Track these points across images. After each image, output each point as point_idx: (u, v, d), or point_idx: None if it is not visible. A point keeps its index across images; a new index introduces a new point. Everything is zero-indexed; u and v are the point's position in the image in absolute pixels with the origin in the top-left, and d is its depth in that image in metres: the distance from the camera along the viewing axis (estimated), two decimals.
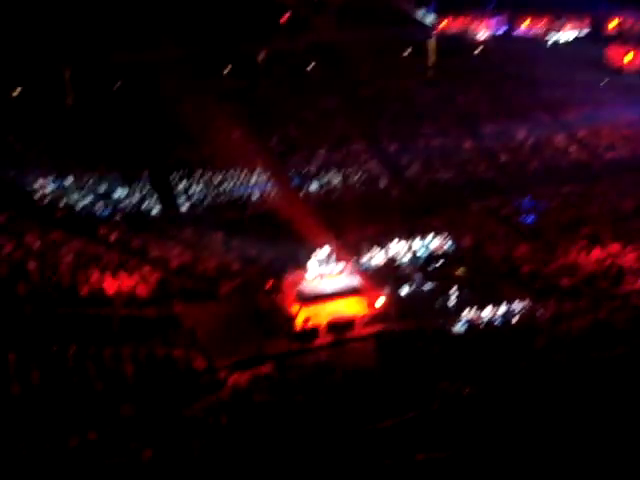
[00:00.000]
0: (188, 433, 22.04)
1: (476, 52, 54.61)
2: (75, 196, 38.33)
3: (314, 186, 42.69)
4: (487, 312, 29.94)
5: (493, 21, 49.84)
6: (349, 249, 35.28)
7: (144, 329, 29.42)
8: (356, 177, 44.07)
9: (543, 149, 47.96)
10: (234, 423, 22.68)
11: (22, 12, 42.27)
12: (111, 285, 31.65)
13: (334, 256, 33.80)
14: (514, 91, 52.20)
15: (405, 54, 54.65)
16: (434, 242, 36.35)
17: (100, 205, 38.08)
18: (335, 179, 43.50)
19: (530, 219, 39.34)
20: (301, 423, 22.46)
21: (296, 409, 23.33)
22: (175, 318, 30.57)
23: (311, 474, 16.74)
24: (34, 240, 33.86)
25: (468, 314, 30.12)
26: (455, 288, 31.84)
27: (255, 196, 41.51)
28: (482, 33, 51.14)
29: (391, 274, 33.32)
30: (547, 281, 32.59)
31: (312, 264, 32.74)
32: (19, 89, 43.78)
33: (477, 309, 30.24)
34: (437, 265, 34.44)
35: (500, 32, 51.18)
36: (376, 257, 34.33)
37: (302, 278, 32.81)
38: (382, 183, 43.94)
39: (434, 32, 52.20)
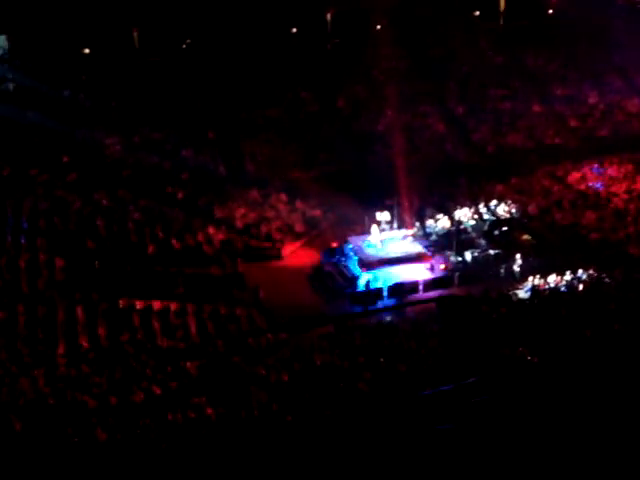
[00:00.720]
0: (250, 391, 22.38)
1: (548, 13, 53.32)
2: (143, 155, 38.72)
3: (379, 148, 42.36)
4: (552, 279, 29.61)
5: None
6: (414, 213, 35.08)
7: (208, 287, 29.84)
8: (423, 139, 43.66)
9: (615, 114, 46.80)
10: (295, 382, 22.94)
11: None
12: (177, 243, 32.11)
13: (397, 221, 33.72)
14: (586, 54, 50.88)
15: (476, 14, 53.67)
16: (500, 207, 35.96)
17: (167, 164, 38.42)
18: (402, 141, 43.11)
19: (599, 186, 38.55)
20: (360, 384, 22.62)
21: (356, 370, 23.48)
22: (239, 277, 30.91)
23: (370, 435, 16.90)
24: (102, 197, 34.51)
25: (533, 281, 29.84)
26: (520, 254, 31.53)
27: (318, 157, 41.40)
28: None
29: (456, 239, 33.04)
30: (615, 249, 31.99)
31: (375, 229, 32.64)
32: (89, 48, 44.16)
33: (542, 276, 29.92)
34: (502, 231, 34.01)
35: None
36: (441, 221, 34.03)
37: (365, 242, 32.76)
38: (449, 146, 43.47)
39: None
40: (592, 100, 47.69)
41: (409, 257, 32.15)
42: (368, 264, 31.50)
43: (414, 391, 21.72)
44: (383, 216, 32.99)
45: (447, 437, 15.86)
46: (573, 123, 45.98)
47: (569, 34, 50.96)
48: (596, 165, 40.77)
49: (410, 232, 33.58)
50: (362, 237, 33.17)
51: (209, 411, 21.41)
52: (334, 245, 33.19)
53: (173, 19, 44.14)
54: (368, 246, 32.58)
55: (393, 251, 32.43)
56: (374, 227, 32.64)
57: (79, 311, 27.31)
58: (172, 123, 41.17)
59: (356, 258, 32.00)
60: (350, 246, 32.86)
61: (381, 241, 32.57)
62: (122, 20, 43.30)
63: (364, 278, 30.83)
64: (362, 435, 17.10)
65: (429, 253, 32.28)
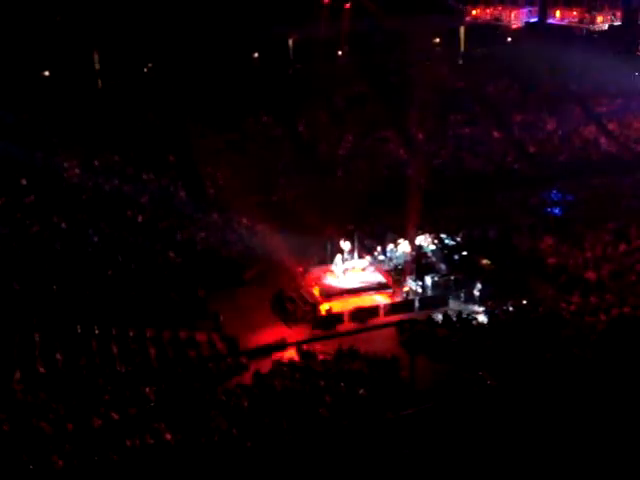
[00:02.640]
0: (209, 416, 22.20)
1: (507, 41, 54.14)
2: (102, 179, 38.43)
3: (340, 173, 42.51)
4: (511, 303, 29.87)
5: (525, 10, 49.24)
6: (374, 239, 35.21)
7: (168, 312, 29.61)
8: (384, 164, 43.92)
9: (572, 140, 47.56)
10: (255, 407, 22.81)
11: None
12: (136, 267, 31.86)
13: (358, 246, 33.85)
14: (544, 81, 51.70)
15: (435, 42, 54.34)
16: (460, 232, 36.24)
17: (127, 188, 38.17)
18: (362, 166, 43.33)
19: (557, 211, 39.04)
20: (321, 409, 22.55)
21: (317, 395, 23.41)
22: (199, 302, 30.72)
23: (328, 461, 16.78)
24: (61, 221, 34.14)
25: (492, 305, 30.08)
26: (480, 279, 31.79)
27: (280, 182, 41.42)
28: (513, 22, 50.57)
29: (416, 264, 33.21)
30: (572, 274, 32.33)
31: (338, 259, 32.76)
32: (48, 71, 43.91)
33: (501, 300, 30.17)
34: (462, 255, 34.25)
35: (531, 21, 50.52)
36: (401, 247, 34.16)
37: (325, 273, 32.83)
38: (410, 171, 43.73)
39: (465, 20, 51.74)
40: (550, 126, 48.44)
41: (370, 287, 32.25)
42: (329, 294, 31.49)
43: (374, 416, 21.70)
44: (345, 245, 33.12)
45: (407, 461, 15.83)
46: (532, 149, 46.61)
47: (527, 62, 51.77)
48: (554, 190, 41.32)
49: (370, 260, 33.71)
50: (323, 267, 33.22)
51: (168, 437, 21.20)
52: (296, 270, 33.17)
53: (135, 42, 44.07)
54: (329, 278, 32.73)
55: (354, 281, 32.56)
56: (338, 257, 32.70)
57: (36, 336, 26.92)
58: (132, 146, 41.00)
59: (318, 287, 31.98)
60: (312, 276, 32.84)
61: (342, 271, 32.65)
62: (83, 42, 43.14)
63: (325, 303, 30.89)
64: (322, 460, 17.00)
65: (390, 282, 32.36)
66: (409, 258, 33.58)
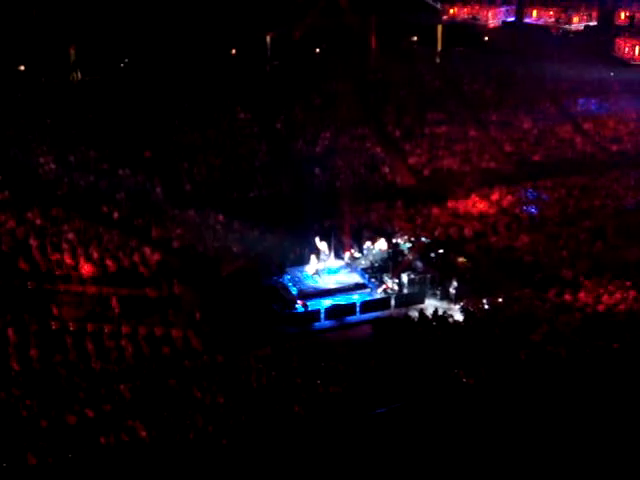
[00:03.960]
0: (185, 413, 22.16)
1: (484, 40, 54.40)
2: (78, 174, 38.19)
3: (317, 170, 42.50)
4: (487, 301, 30.02)
5: (502, 9, 49.53)
6: (350, 236, 35.21)
7: (144, 309, 29.47)
8: (361, 162, 43.97)
9: (548, 140, 47.82)
10: (231, 404, 22.78)
11: None
12: (112, 264, 31.67)
13: (335, 244, 33.87)
14: (520, 80, 51.98)
15: (413, 40, 54.53)
16: (436, 230, 36.38)
17: (103, 184, 37.94)
18: (339, 164, 43.37)
19: (533, 210, 39.25)
20: (298, 406, 22.57)
21: (293, 392, 23.43)
22: (175, 299, 30.59)
23: (305, 457, 16.85)
24: (36, 217, 33.89)
25: (468, 303, 30.22)
26: (456, 277, 31.93)
27: (257, 179, 41.35)
28: (490, 21, 50.83)
29: (392, 262, 33.28)
30: (548, 273, 32.53)
31: (313, 260, 32.73)
32: (24, 66, 43.59)
33: (477, 298, 30.32)
34: (439, 253, 34.35)
35: (508, 20, 50.84)
36: (378, 244, 34.16)
37: (303, 273, 32.82)
38: (386, 169, 43.82)
39: (442, 18, 51.93)
40: (526, 125, 48.69)
41: (347, 287, 32.21)
42: (306, 295, 31.48)
43: (349, 413, 21.75)
44: (322, 245, 33.09)
45: (382, 458, 15.90)
46: (508, 148, 46.83)
47: (504, 61, 52.10)
48: (530, 189, 41.54)
49: (347, 261, 33.76)
50: (300, 268, 33.19)
51: (143, 434, 21.13)
52: (272, 268, 33.12)
53: (111, 37, 43.84)
54: (306, 277, 32.65)
55: (331, 282, 32.51)
56: (313, 258, 32.67)
57: (10, 333, 26.71)
58: (109, 142, 40.77)
59: (294, 289, 31.95)
60: (288, 277, 32.79)
61: (319, 272, 32.64)
62: (59, 37, 42.85)
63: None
64: (297, 457, 17.06)
65: (367, 282, 32.41)
66: (386, 256, 33.62)
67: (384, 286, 31.84)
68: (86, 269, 30.81)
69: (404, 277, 32.19)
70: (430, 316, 29.26)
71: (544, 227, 37.34)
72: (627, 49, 47.15)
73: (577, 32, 52.44)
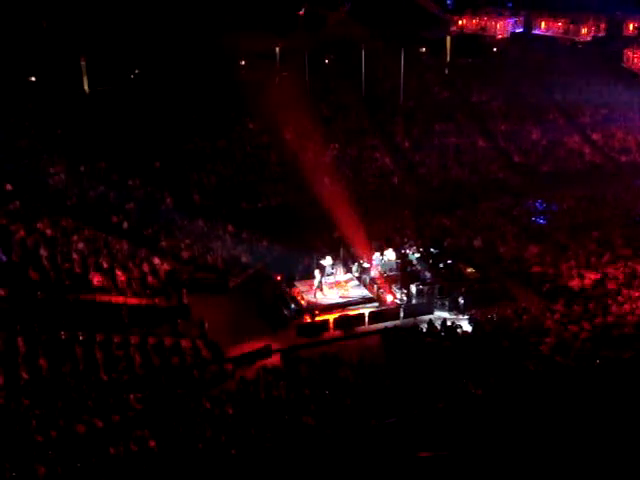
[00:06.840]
0: (194, 423, 22.16)
1: (492, 51, 54.47)
2: (87, 184, 38.36)
3: (328, 181, 42.56)
4: (496, 312, 29.99)
5: (510, 21, 49.54)
6: (360, 247, 35.19)
7: (153, 319, 29.54)
8: (370, 172, 44.04)
9: (557, 151, 47.84)
10: (240, 415, 22.78)
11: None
12: (121, 274, 31.77)
13: (343, 255, 33.86)
14: (529, 91, 52.03)
15: (422, 51, 54.62)
16: (445, 241, 36.40)
17: (113, 194, 38.11)
18: (348, 174, 43.44)
19: (541, 220, 39.25)
20: (306, 417, 22.55)
21: (302, 403, 23.42)
22: (184, 309, 30.68)
23: (314, 469, 16.79)
24: (46, 227, 34.01)
25: (476, 313, 30.20)
26: (465, 287, 31.92)
27: (267, 190, 41.46)
28: (499, 32, 50.86)
29: (401, 272, 33.29)
30: (556, 283, 32.50)
31: (316, 274, 32.42)
32: (34, 77, 43.84)
33: (486, 309, 30.31)
34: (447, 263, 34.34)
35: (517, 31, 50.83)
36: (387, 255, 34.16)
37: (310, 287, 32.65)
38: (396, 179, 43.91)
39: (451, 30, 51.99)
40: (535, 136, 48.73)
41: (355, 302, 32.09)
42: (314, 309, 31.43)
43: (359, 424, 21.71)
44: (327, 261, 33.05)
45: (390, 468, 15.86)
46: (516, 158, 46.87)
47: (513, 72, 52.17)
48: (539, 200, 41.55)
49: (355, 271, 33.74)
50: (307, 282, 33.10)
51: (152, 444, 21.15)
52: (280, 277, 33.10)
53: (122, 48, 44.05)
54: (313, 293, 32.36)
55: (338, 296, 32.41)
56: (317, 272, 32.42)
57: (20, 342, 26.79)
58: (118, 152, 40.95)
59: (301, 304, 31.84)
60: (296, 290, 32.69)
61: (319, 287, 32.40)
62: (70, 48, 43.07)
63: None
64: (306, 467, 17.02)
65: (373, 296, 32.35)
66: (394, 266, 33.62)
67: (391, 297, 31.80)
68: (96, 279, 30.91)
69: (413, 288, 32.20)
70: (439, 326, 29.27)
71: (553, 238, 37.31)
72: (636, 60, 47.06)
73: (586, 43, 52.42)
